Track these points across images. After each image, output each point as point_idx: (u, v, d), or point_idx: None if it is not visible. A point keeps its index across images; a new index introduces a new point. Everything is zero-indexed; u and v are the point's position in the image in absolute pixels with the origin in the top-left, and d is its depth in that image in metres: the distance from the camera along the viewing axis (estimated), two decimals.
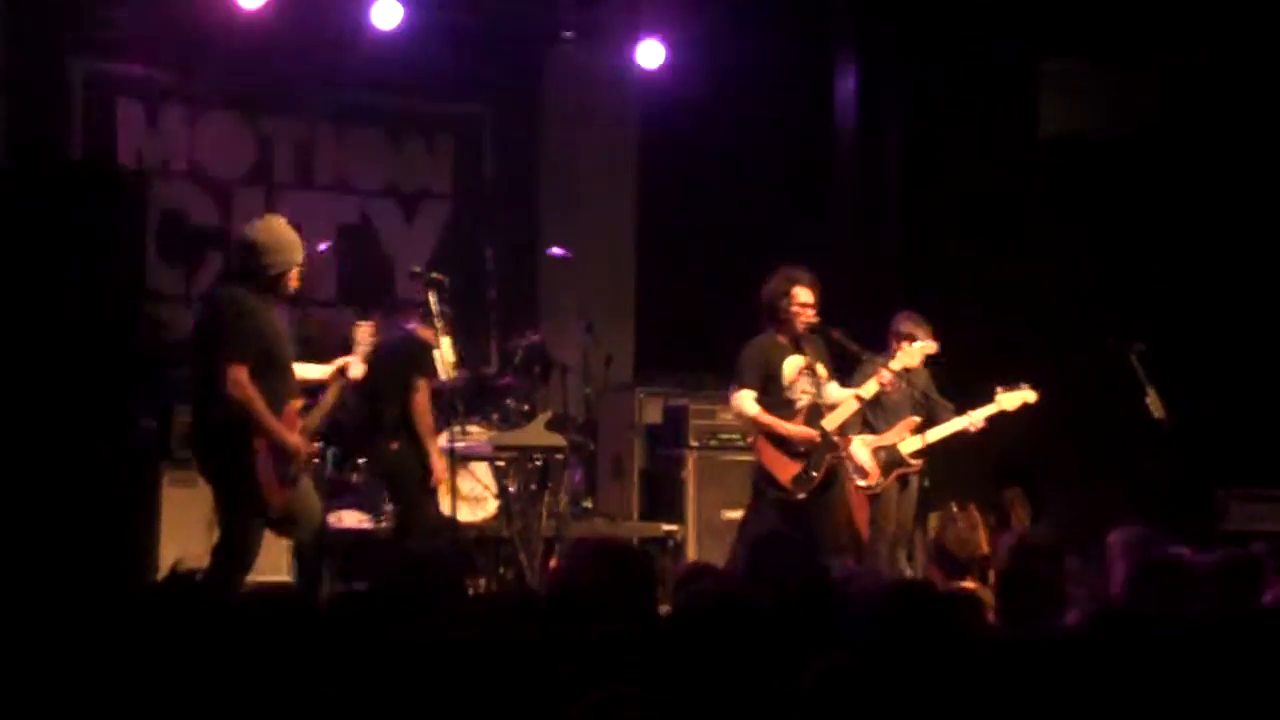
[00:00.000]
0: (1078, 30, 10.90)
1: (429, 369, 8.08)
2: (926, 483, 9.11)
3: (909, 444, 8.92)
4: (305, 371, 7.07)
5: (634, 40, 11.16)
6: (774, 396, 8.26)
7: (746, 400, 8.26)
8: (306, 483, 6.98)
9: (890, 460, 8.89)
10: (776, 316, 8.30)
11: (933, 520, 9.77)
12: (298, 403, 6.84)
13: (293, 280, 6.85)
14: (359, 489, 9.40)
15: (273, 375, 6.69)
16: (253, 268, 6.77)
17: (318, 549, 6.97)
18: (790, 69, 11.50)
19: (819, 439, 8.22)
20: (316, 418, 7.01)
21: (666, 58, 11.10)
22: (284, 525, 6.90)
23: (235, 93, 10.90)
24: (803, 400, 8.30)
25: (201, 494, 8.69)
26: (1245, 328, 10.31)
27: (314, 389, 7.17)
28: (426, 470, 8.16)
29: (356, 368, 7.05)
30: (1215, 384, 10.13)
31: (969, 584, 7.43)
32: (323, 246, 9.65)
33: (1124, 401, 9.18)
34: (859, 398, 8.42)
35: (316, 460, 7.12)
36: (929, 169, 11.42)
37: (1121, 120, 11.06)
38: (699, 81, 11.31)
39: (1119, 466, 9.91)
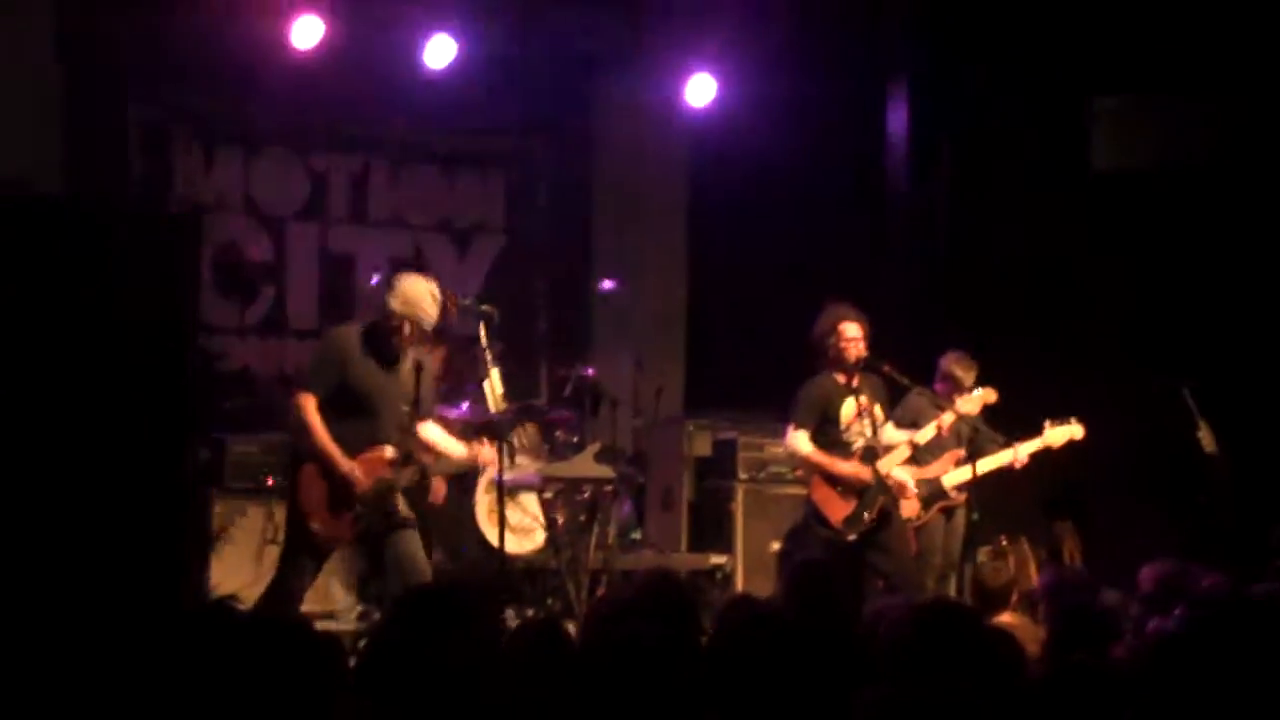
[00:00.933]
0: (1128, 66, 10.89)
1: None
2: (976, 516, 9.07)
3: (953, 476, 8.90)
4: (446, 445, 7.25)
5: (684, 73, 11.21)
6: (830, 437, 8.28)
7: (800, 440, 8.28)
8: (406, 547, 6.92)
9: (932, 493, 8.88)
10: (827, 354, 8.31)
11: (982, 554, 9.74)
12: (390, 452, 6.94)
13: (409, 338, 6.97)
14: None
15: (357, 416, 6.86)
16: (380, 311, 7.02)
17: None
18: (841, 103, 11.52)
19: (872, 480, 8.22)
20: (410, 476, 7.08)
21: (717, 91, 11.13)
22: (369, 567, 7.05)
23: (289, 130, 11.02)
24: (859, 442, 8.30)
25: (251, 523, 8.87)
26: None
27: None
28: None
29: (490, 453, 7.23)
30: (1268, 419, 10.07)
31: (1008, 617, 7.39)
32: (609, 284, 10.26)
33: (1176, 436, 9.14)
34: (913, 443, 8.44)
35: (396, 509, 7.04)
36: (980, 204, 11.40)
37: (1173, 155, 11.03)
38: (749, 115, 11.35)
39: (1171, 501, 9.86)
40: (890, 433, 8.48)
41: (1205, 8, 10.46)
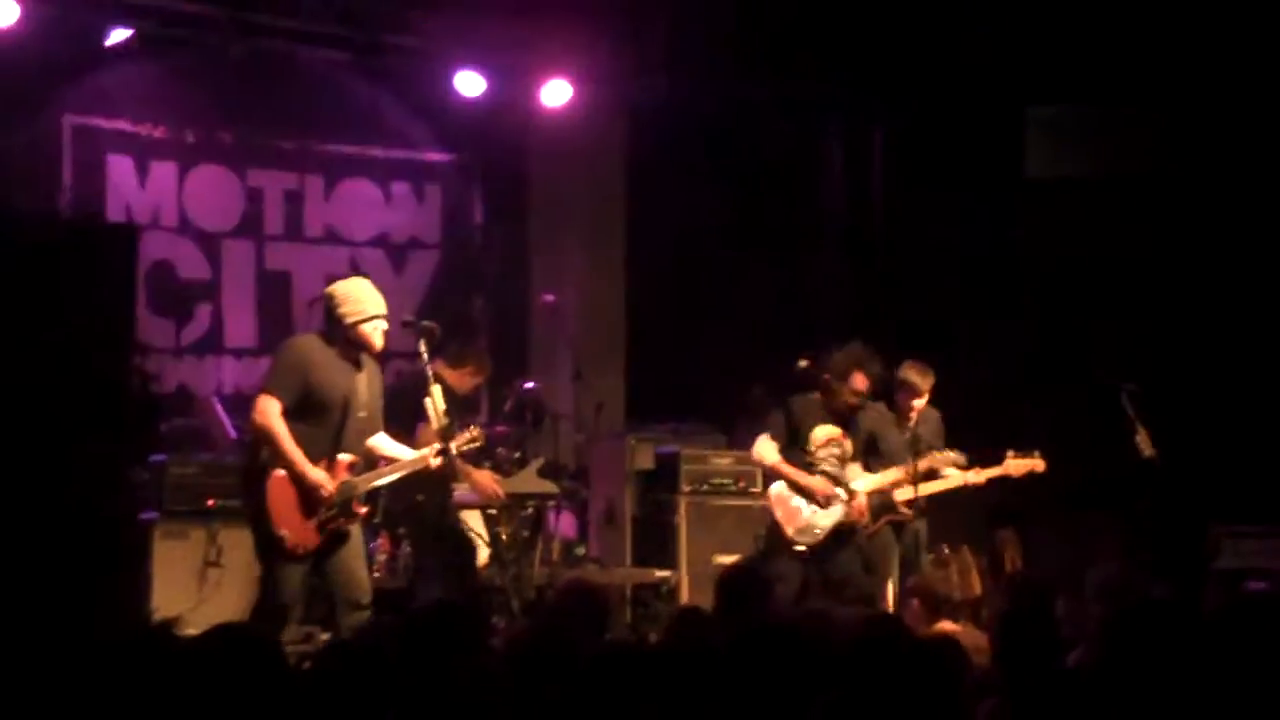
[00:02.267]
0: (1062, 76, 10.97)
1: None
2: (918, 526, 9.10)
3: (904, 492, 8.92)
4: (398, 452, 7.29)
5: (624, 84, 11.21)
6: (795, 456, 8.51)
7: (766, 447, 8.56)
8: (353, 548, 7.03)
9: (883, 505, 8.89)
10: (829, 389, 8.49)
11: (925, 565, 9.76)
12: (351, 459, 7.01)
13: (365, 334, 7.04)
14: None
15: (319, 423, 6.91)
16: (329, 320, 7.09)
17: (350, 622, 6.88)
18: (777, 111, 11.57)
19: (835, 496, 8.46)
20: (370, 480, 7.17)
21: (661, 100, 11.12)
22: (326, 593, 7.05)
23: (224, 146, 10.93)
24: (826, 466, 8.52)
25: (192, 546, 8.77)
26: (1235, 365, 10.34)
27: None
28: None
29: (439, 457, 7.26)
30: (1205, 423, 10.15)
31: (950, 625, 7.42)
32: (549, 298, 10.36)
33: (1114, 441, 9.19)
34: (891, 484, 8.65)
35: (356, 521, 7.10)
36: (916, 212, 11.46)
37: (1108, 162, 11.13)
38: (687, 126, 11.36)
39: (1111, 507, 9.92)
40: (854, 472, 8.65)
41: (1140, 21, 10.56)
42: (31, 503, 7.58)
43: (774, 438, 8.54)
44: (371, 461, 7.22)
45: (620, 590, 9.67)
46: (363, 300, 7.09)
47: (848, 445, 8.60)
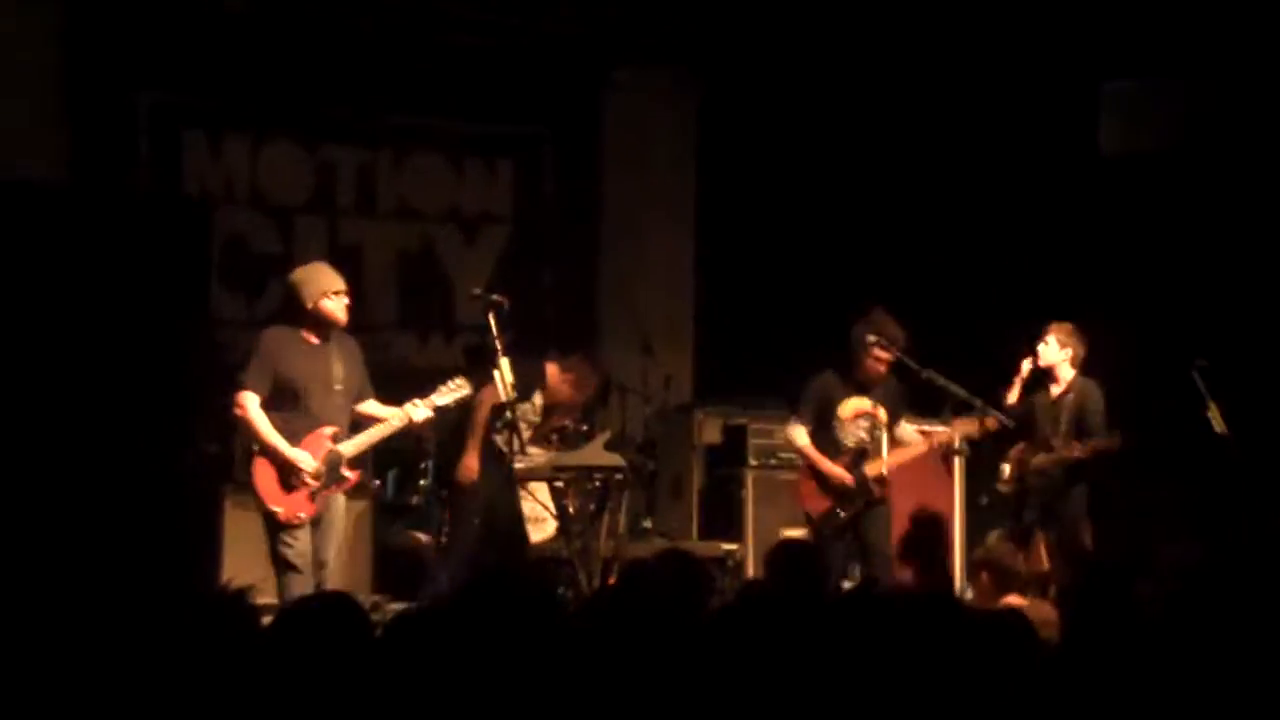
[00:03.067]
0: (1136, 50, 10.86)
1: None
2: (985, 500, 9.09)
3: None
4: (382, 413, 7.60)
5: (694, 63, 11.23)
6: (827, 432, 8.62)
7: (797, 432, 8.69)
8: (334, 513, 7.50)
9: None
10: (853, 360, 8.58)
11: (991, 537, 9.72)
12: (329, 429, 7.40)
13: (328, 310, 7.40)
14: (418, 509, 9.52)
15: (295, 406, 7.36)
16: (291, 305, 7.51)
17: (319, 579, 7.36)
18: (847, 91, 11.51)
19: (853, 485, 8.54)
20: (356, 444, 7.49)
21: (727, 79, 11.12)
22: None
23: (296, 120, 11.02)
24: (850, 441, 8.60)
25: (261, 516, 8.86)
26: None
27: None
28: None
29: (421, 412, 7.55)
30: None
31: (1018, 599, 7.39)
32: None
33: (1188, 417, 9.13)
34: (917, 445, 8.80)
35: (349, 484, 7.57)
36: (993, 191, 11.38)
37: (1183, 136, 11.01)
38: (760, 102, 11.35)
39: (1183, 483, 9.85)
40: (905, 431, 8.81)
41: None
42: (104, 474, 7.69)
43: (801, 419, 8.67)
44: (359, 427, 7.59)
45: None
46: (319, 280, 7.45)
47: (881, 414, 8.64)
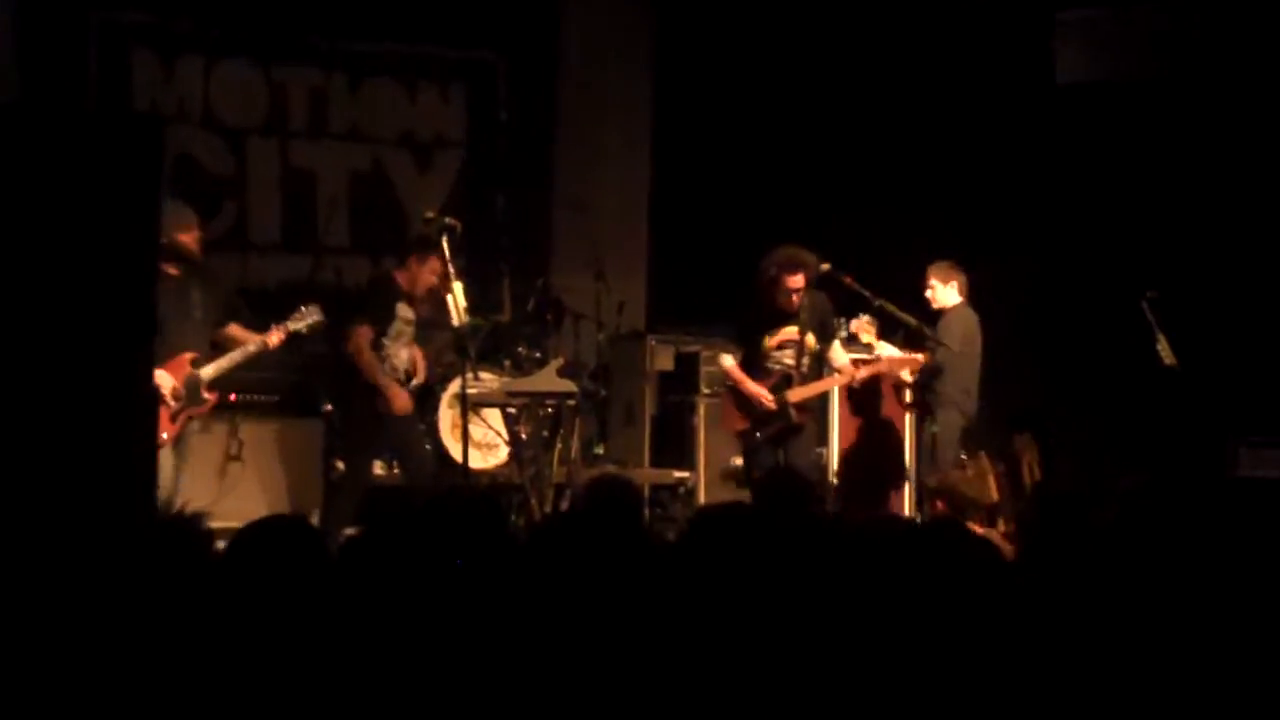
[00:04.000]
0: None
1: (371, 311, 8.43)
2: (934, 429, 9.15)
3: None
4: (239, 333, 8.13)
5: None
6: (754, 361, 8.73)
7: (726, 355, 8.87)
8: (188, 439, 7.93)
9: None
10: (768, 294, 8.68)
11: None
12: (188, 355, 7.86)
13: (187, 246, 7.88)
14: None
15: (159, 335, 7.44)
16: None
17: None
18: (803, 16, 11.48)
19: (774, 407, 8.63)
20: (215, 367, 7.95)
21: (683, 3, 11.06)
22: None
23: (250, 41, 10.92)
24: (776, 368, 8.69)
25: (214, 440, 8.86)
26: (1260, 275, 10.28)
27: None
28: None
29: (275, 336, 8.04)
30: (1228, 331, 10.12)
31: (977, 528, 7.45)
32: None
33: (1136, 348, 9.19)
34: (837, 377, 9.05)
35: (207, 408, 8.07)
36: (943, 116, 11.38)
37: (1138, 66, 11.02)
38: (716, 31, 11.30)
39: (1130, 414, 9.92)
40: (837, 351, 8.97)
41: None
42: (50, 397, 7.63)
43: (734, 346, 8.84)
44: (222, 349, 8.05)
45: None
46: (173, 217, 7.63)
47: (809, 340, 8.74)
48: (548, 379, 9.40)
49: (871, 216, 11.22)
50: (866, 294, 8.75)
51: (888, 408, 10.03)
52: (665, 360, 10.45)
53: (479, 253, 10.80)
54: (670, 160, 11.92)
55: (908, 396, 9.98)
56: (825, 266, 8.69)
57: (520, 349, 9.92)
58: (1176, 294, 9.22)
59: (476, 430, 9.23)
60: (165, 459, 7.42)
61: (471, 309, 8.48)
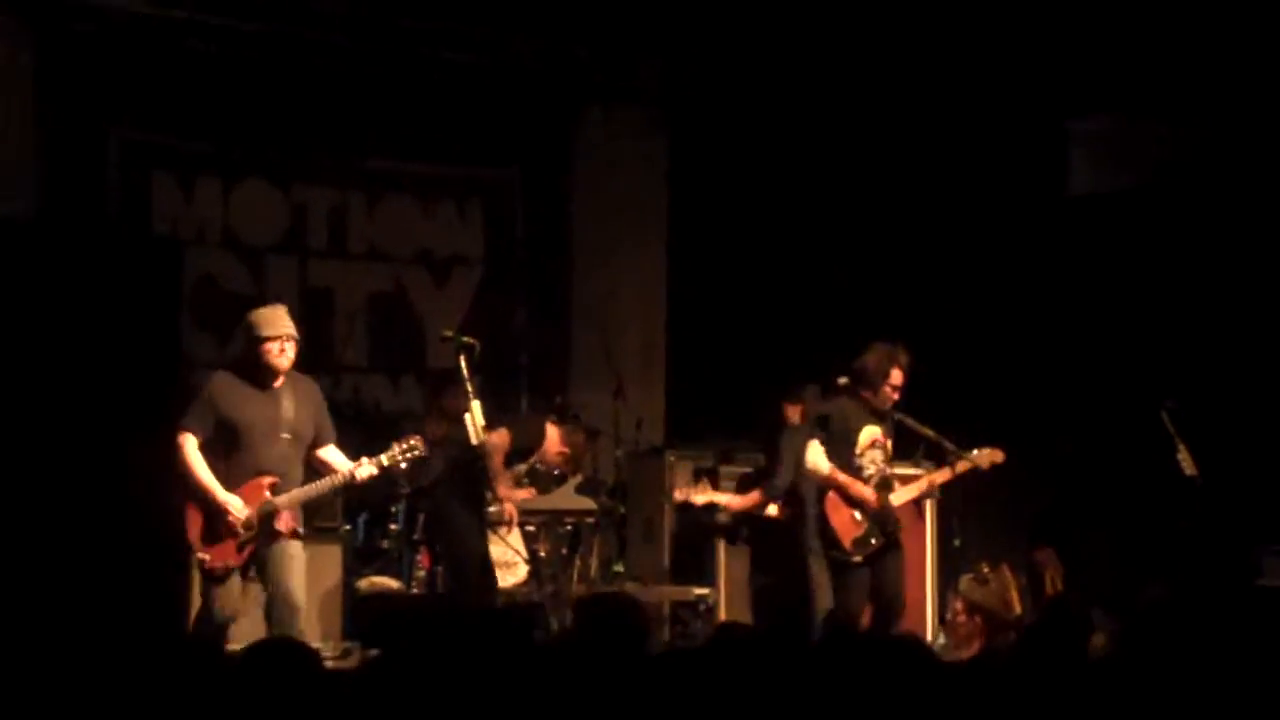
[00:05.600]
0: (1104, 87, 10.93)
1: None
2: (958, 542, 9.08)
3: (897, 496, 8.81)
4: (334, 458, 7.52)
5: (663, 103, 11.27)
6: (843, 459, 8.36)
7: (819, 455, 8.33)
8: (276, 558, 7.26)
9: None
10: (870, 388, 8.41)
11: (964, 581, 9.74)
12: (269, 479, 7.26)
13: (270, 354, 7.30)
14: (388, 554, 9.48)
15: (236, 448, 7.25)
16: (242, 347, 7.47)
17: (277, 618, 7.19)
18: (816, 130, 11.56)
19: (882, 509, 8.34)
20: (293, 497, 7.33)
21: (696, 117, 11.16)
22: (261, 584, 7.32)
23: (268, 162, 11.02)
24: (871, 470, 8.41)
25: None
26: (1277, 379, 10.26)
27: None
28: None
29: (366, 470, 7.44)
30: (1248, 440, 10.08)
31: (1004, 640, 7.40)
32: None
33: (1156, 460, 9.14)
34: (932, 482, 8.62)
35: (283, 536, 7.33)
36: (958, 230, 11.42)
37: (1152, 175, 11.07)
38: (728, 141, 11.38)
39: (1153, 526, 9.86)
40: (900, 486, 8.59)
41: (1177, 30, 10.51)
42: (75, 512, 7.64)
43: (817, 439, 8.37)
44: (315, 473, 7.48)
45: (658, 608, 9.67)
46: (263, 325, 7.35)
47: (889, 445, 8.51)
48: (566, 496, 9.39)
49: (885, 328, 11.25)
50: (923, 431, 8.67)
51: (908, 522, 9.96)
52: (684, 476, 10.29)
53: (497, 370, 10.83)
54: (687, 274, 11.95)
55: (927, 507, 9.90)
56: (843, 381, 8.61)
57: (538, 466, 9.90)
58: (1196, 403, 9.18)
59: (495, 549, 9.18)
60: (225, 591, 7.21)
61: (490, 426, 8.46)
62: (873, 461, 8.41)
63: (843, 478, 8.32)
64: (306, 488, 7.40)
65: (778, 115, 11.49)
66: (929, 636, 9.70)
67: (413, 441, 7.47)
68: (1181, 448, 8.94)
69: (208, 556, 7.19)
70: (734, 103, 11.32)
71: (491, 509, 8.52)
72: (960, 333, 11.11)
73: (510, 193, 11.96)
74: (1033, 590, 10.03)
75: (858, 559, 8.28)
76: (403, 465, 7.59)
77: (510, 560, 9.46)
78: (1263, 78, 10.44)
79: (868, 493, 8.32)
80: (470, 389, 7.73)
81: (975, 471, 8.59)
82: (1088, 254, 11.00)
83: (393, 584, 9.33)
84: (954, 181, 11.43)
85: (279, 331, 7.32)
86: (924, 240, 11.52)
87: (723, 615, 9.72)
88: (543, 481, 9.70)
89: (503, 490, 8.62)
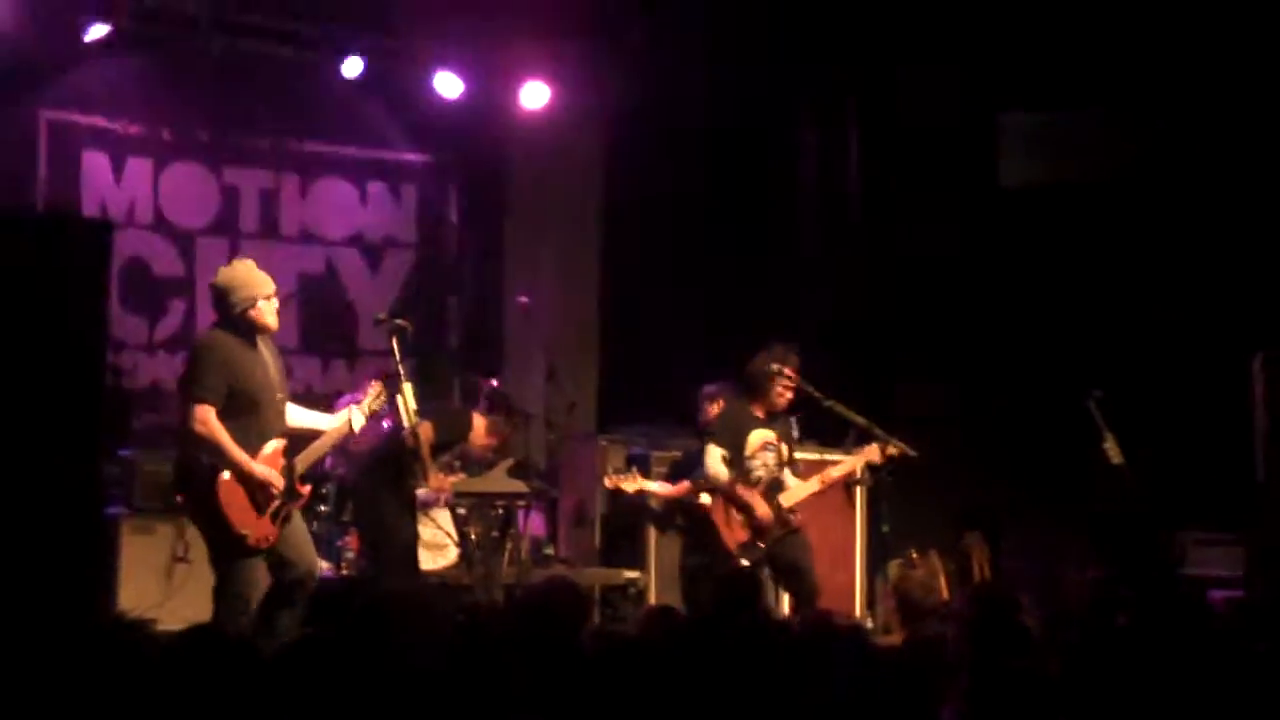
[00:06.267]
0: (1033, 83, 11.04)
1: None
2: (886, 529, 9.15)
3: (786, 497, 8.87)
4: (313, 420, 7.36)
5: (602, 85, 11.28)
6: (735, 464, 8.46)
7: (716, 459, 8.43)
8: (297, 524, 7.10)
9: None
10: (759, 391, 8.51)
11: (893, 568, 9.83)
12: (281, 444, 7.03)
13: (263, 314, 7.06)
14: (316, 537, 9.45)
15: (248, 414, 6.94)
16: (223, 310, 7.07)
17: (304, 593, 6.93)
18: (755, 116, 11.61)
19: (772, 520, 8.41)
20: (307, 459, 7.18)
21: (639, 101, 11.19)
22: (274, 565, 6.97)
23: (200, 144, 10.95)
24: (760, 472, 8.50)
25: (160, 542, 8.80)
26: (1203, 373, 10.39)
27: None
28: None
29: (359, 419, 7.29)
30: (1173, 429, 10.21)
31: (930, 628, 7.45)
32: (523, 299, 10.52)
33: (1083, 447, 9.24)
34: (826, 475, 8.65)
35: (303, 502, 7.21)
36: (892, 219, 11.50)
37: (1081, 169, 11.18)
38: (665, 130, 11.41)
39: (1078, 512, 9.97)
40: (788, 478, 8.65)
41: (1112, 24, 10.63)
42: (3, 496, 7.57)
43: (721, 446, 8.46)
44: (297, 437, 7.25)
45: (588, 591, 9.69)
46: (250, 284, 7.07)
47: (784, 449, 8.60)
48: (498, 480, 9.39)
49: (818, 315, 11.33)
50: (816, 394, 8.73)
51: (837, 508, 10.02)
52: (616, 461, 10.30)
53: (431, 354, 10.83)
54: (620, 261, 11.98)
55: (857, 494, 9.95)
56: (775, 366, 8.63)
57: (471, 449, 9.89)
58: (1122, 393, 9.29)
59: (426, 530, 9.21)
60: (257, 566, 6.87)
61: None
62: (764, 464, 8.52)
63: (736, 488, 8.40)
64: (315, 447, 7.27)
65: (710, 101, 11.52)
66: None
67: (377, 388, 7.41)
68: (1108, 436, 9.04)
69: (249, 532, 6.85)
70: (670, 87, 11.32)
71: (420, 491, 8.52)
72: (891, 322, 11.19)
73: (445, 178, 11.94)
74: (961, 576, 10.13)
75: (744, 562, 8.34)
76: (384, 409, 7.53)
77: (440, 542, 9.47)
78: (1196, 72, 10.57)
79: (759, 502, 8.38)
80: (402, 371, 7.71)
81: (899, 458, 8.64)
82: (1017, 246, 11.10)
83: (322, 566, 9.30)
84: (886, 169, 11.51)
85: (270, 290, 7.12)
86: (856, 230, 11.60)
87: (653, 599, 9.76)
88: (473, 465, 9.71)
89: (433, 481, 8.63)
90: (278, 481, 6.93)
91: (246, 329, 7.05)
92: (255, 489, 6.88)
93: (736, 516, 8.43)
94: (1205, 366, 10.33)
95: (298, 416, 7.33)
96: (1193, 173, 10.74)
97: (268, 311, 7.09)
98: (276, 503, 6.94)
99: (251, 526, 6.87)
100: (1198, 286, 10.63)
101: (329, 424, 7.35)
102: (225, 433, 6.84)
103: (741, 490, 8.40)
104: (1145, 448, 9.25)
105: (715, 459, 8.42)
